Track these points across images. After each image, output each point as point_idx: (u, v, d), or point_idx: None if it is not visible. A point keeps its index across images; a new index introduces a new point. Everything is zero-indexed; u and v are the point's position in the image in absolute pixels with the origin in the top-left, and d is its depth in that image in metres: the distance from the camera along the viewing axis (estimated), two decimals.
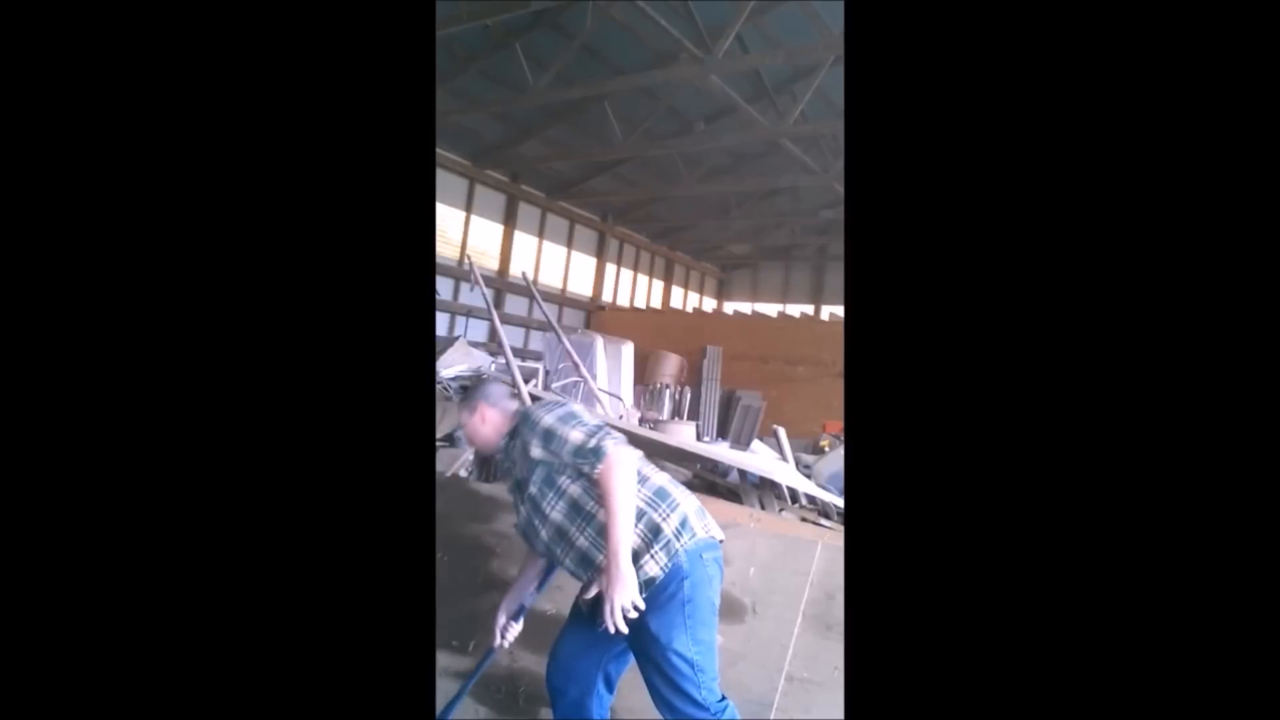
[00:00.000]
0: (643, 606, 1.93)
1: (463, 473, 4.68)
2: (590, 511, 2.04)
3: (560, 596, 3.23)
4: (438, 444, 5.15)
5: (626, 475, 2.01)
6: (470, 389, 2.38)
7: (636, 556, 1.99)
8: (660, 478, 2.14)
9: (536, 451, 2.10)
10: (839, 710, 2.46)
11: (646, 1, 9.64)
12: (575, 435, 2.06)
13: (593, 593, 1.98)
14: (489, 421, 2.28)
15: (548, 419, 2.12)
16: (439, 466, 4.60)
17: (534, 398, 5.36)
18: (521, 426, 2.17)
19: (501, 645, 2.37)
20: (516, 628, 2.35)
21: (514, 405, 2.32)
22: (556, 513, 2.09)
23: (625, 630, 1.91)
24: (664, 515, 2.03)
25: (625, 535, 1.96)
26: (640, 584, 1.95)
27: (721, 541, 2.13)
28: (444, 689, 2.98)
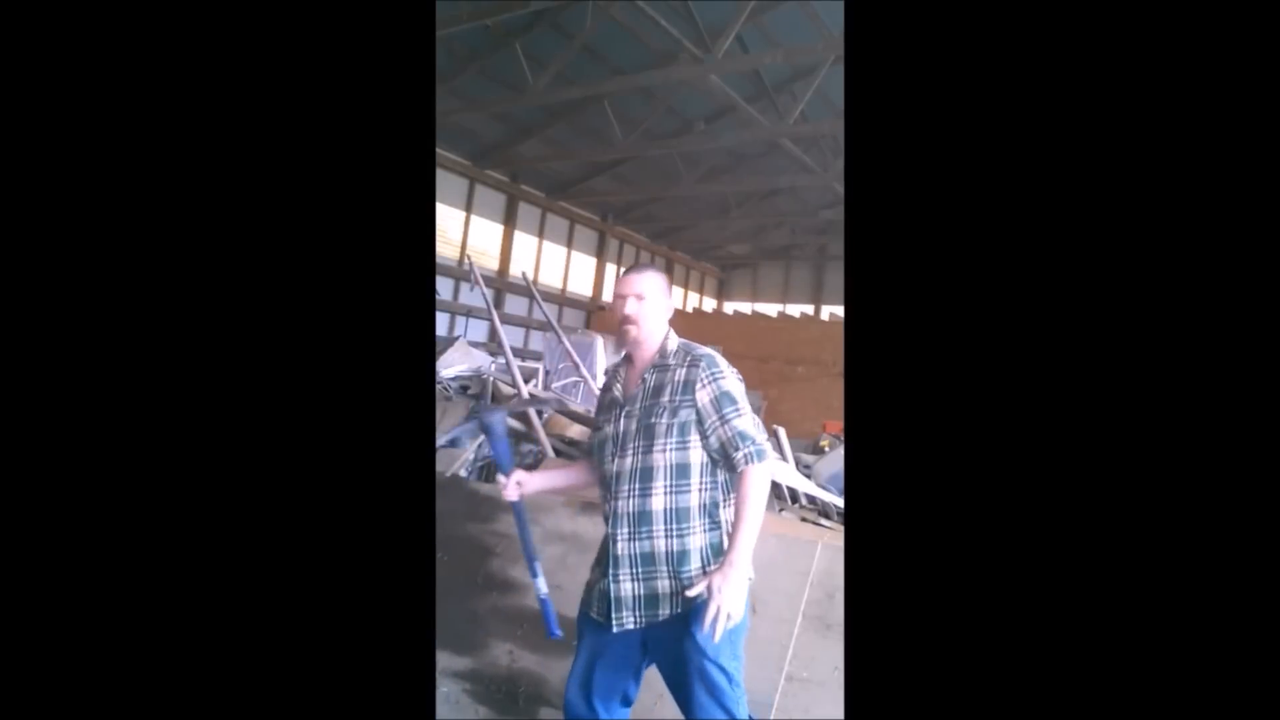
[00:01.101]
0: (739, 618, 1.86)
1: (463, 473, 4.69)
2: (686, 485, 1.96)
3: (560, 597, 3.23)
4: (438, 444, 5.14)
5: (767, 488, 1.94)
6: (638, 269, 2.19)
7: (697, 568, 1.93)
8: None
9: (703, 399, 1.96)
10: (839, 710, 2.46)
11: (646, 1, 9.65)
12: (748, 421, 1.96)
13: (698, 590, 1.86)
14: (655, 308, 2.10)
15: (733, 384, 1.99)
16: (439, 466, 4.60)
17: (534, 398, 5.36)
18: (701, 363, 2.01)
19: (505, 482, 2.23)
20: (512, 491, 2.21)
21: (667, 320, 2.15)
22: (661, 458, 1.97)
23: (716, 639, 1.82)
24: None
25: (750, 545, 1.88)
26: (694, 597, 1.89)
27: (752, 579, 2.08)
28: (444, 689, 2.98)
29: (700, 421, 1.96)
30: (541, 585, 2.35)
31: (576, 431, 5.55)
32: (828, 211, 17.47)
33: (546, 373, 8.00)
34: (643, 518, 1.97)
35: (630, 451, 2.01)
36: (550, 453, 5.00)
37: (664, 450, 1.97)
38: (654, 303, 2.10)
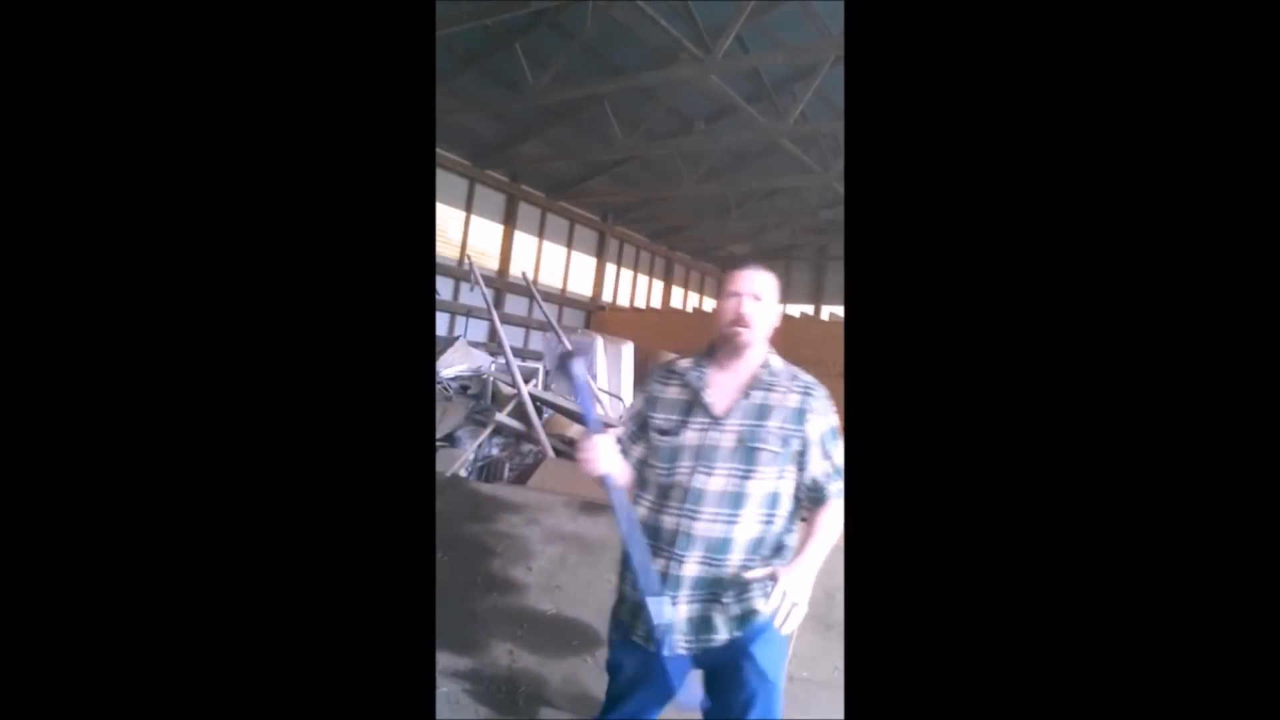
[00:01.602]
0: (804, 609, 1.75)
1: (463, 473, 4.69)
2: (773, 515, 1.86)
3: (560, 597, 3.23)
4: (438, 444, 5.15)
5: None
6: (753, 267, 1.97)
7: (759, 595, 1.85)
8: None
9: (814, 432, 1.87)
10: (839, 710, 2.45)
11: (646, 1, 9.64)
12: (841, 454, 1.87)
13: (760, 574, 1.79)
14: (769, 313, 1.93)
15: (837, 421, 1.89)
16: (439, 466, 4.60)
17: (534, 398, 5.36)
18: (815, 392, 1.92)
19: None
20: (604, 456, 1.84)
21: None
22: (759, 486, 1.83)
23: (785, 631, 1.73)
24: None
25: (822, 557, 1.79)
26: (757, 616, 1.83)
27: None
28: (444, 689, 2.98)
29: (802, 453, 1.87)
30: (661, 612, 1.76)
31: (576, 431, 5.56)
32: (828, 211, 17.44)
33: (546, 373, 8.00)
34: (723, 545, 1.82)
35: (721, 472, 1.84)
36: (550, 453, 5.00)
37: (764, 479, 1.85)
38: (769, 307, 1.94)
